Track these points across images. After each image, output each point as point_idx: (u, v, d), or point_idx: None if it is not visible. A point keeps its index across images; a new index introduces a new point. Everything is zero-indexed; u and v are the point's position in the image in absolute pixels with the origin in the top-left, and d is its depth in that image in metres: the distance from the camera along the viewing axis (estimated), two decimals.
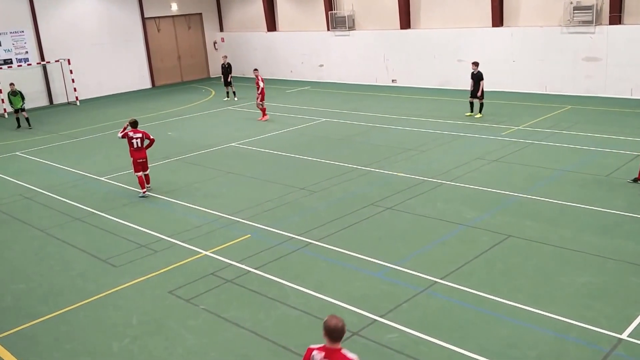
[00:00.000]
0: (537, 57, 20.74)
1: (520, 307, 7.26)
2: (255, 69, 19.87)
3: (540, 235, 9.26)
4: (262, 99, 19.32)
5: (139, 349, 6.97)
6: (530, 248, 8.88)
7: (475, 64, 17.87)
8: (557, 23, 20.32)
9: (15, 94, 21.06)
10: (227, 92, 24.19)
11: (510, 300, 7.42)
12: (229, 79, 23.68)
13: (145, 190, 12.49)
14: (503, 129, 16.21)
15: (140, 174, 12.44)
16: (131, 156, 12.51)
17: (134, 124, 12.55)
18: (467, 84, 22.56)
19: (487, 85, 21.88)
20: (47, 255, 9.83)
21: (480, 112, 17.84)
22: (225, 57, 24.35)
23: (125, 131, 12.50)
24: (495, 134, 15.70)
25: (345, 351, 4.64)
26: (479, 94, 17.59)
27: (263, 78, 19.86)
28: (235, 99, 23.87)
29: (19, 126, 21.07)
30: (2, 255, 10.00)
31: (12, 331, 7.49)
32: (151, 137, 12.68)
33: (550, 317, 7.01)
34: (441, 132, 16.30)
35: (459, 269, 8.34)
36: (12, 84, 21.41)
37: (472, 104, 18.03)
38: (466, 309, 7.33)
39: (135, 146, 12.42)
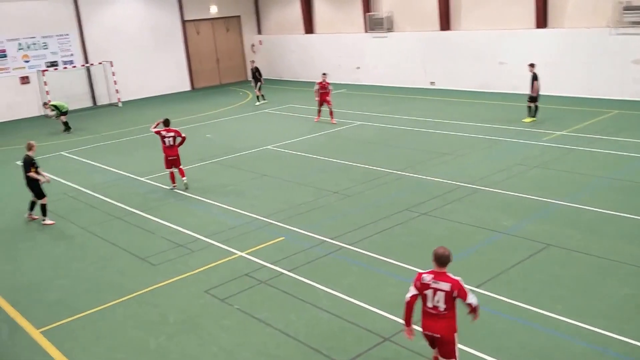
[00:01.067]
0: (582, 59, 20.15)
1: (558, 318, 7.08)
2: (324, 73, 19.47)
3: (581, 245, 9.00)
4: (329, 102, 19.10)
5: (175, 346, 7.13)
6: (570, 258, 8.65)
7: (532, 65, 17.15)
8: (604, 24, 19.68)
9: (54, 109, 21.04)
10: (258, 97, 24.27)
11: (548, 311, 7.24)
12: (258, 84, 23.93)
13: (175, 184, 13.22)
14: (544, 134, 15.82)
15: (171, 170, 13.16)
16: (164, 153, 13.11)
17: (166, 123, 13.12)
18: (509, 87, 22.33)
19: (528, 88, 21.38)
20: (88, 253, 10.16)
21: (532, 115, 17.28)
22: (253, 61, 24.85)
23: (158, 129, 13.08)
24: (536, 139, 15.35)
25: (449, 274, 5.63)
26: (534, 95, 16.97)
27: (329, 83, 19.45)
28: (257, 103, 23.96)
29: (66, 129, 21.28)
30: (48, 251, 10.39)
31: (55, 325, 7.79)
32: (182, 134, 13.13)
33: (590, 329, 6.81)
34: (479, 137, 16.04)
35: (495, 277, 8.19)
36: (46, 103, 21.60)
37: (530, 108, 17.40)
38: (501, 319, 7.19)
39: (167, 144, 13.02)
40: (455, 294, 5.56)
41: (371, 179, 12.97)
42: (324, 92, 18.99)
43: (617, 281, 7.87)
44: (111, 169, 15.59)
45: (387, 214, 10.81)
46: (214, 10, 30.73)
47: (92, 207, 12.50)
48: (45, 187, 11.65)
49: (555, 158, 13.60)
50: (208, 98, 27.19)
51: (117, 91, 26.75)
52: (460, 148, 15.09)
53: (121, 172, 15.12)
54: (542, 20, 21.21)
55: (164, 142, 13.02)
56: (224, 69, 31.99)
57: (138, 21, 28.14)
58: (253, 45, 32.64)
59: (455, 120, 18.31)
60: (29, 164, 11.27)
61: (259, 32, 32.69)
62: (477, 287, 7.93)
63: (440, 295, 5.56)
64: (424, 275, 5.66)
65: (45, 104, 21.88)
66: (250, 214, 11.32)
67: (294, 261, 9.12)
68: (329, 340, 6.99)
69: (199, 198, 12.58)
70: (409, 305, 5.72)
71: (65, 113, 21.26)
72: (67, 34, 26.17)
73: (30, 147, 11.44)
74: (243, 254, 9.52)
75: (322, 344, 6.92)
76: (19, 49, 25.05)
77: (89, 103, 27.28)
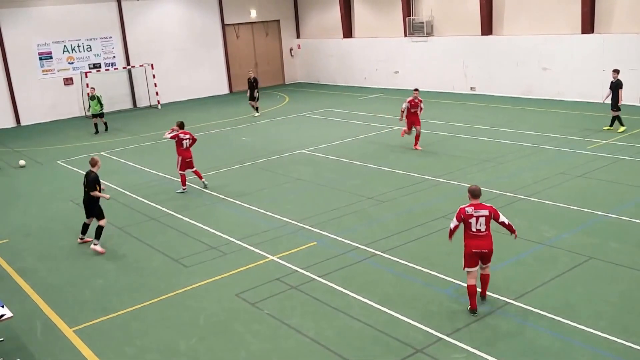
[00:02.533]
0: (630, 66, 19.36)
1: (601, 335, 6.74)
2: (416, 89, 15.82)
3: (626, 259, 8.57)
4: (419, 124, 15.70)
5: (205, 349, 7.11)
6: (614, 272, 8.24)
7: (616, 71, 16.14)
8: None
9: (92, 98, 21.39)
10: (256, 108, 22.84)
11: (590, 327, 6.90)
12: (255, 94, 22.42)
13: (185, 187, 13.39)
14: (589, 143, 15.24)
15: (185, 172, 13.30)
16: (179, 155, 13.20)
17: (181, 126, 13.35)
18: (552, 94, 21.68)
19: (574, 95, 20.87)
20: (123, 253, 10.30)
21: (621, 124, 16.12)
22: (251, 71, 23.97)
23: (176, 133, 13.21)
24: (580, 148, 14.79)
25: (484, 203, 7.52)
26: (618, 103, 15.95)
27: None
28: (257, 114, 22.71)
29: (96, 132, 21.54)
30: (84, 250, 10.58)
31: (88, 324, 7.88)
32: (194, 137, 13.47)
33: (635, 348, 6.45)
34: (521, 144, 15.58)
35: (534, 290, 7.87)
36: (92, 88, 21.96)
37: (613, 117, 16.33)
38: (540, 333, 6.89)
39: (184, 146, 13.20)
40: (492, 216, 7.41)
41: (407, 185, 12.74)
42: (414, 111, 15.26)
43: None
44: (149, 170, 15.84)
45: (423, 221, 10.57)
46: (253, 15, 31.01)
47: (129, 208, 12.70)
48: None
49: (600, 168, 13.06)
50: (245, 101, 27.36)
51: (157, 93, 27.27)
52: (500, 155, 14.68)
53: (158, 174, 15.34)
54: (588, 25, 20.50)
55: (181, 145, 13.14)
56: (262, 72, 32.18)
57: (179, 24, 28.65)
58: (291, 50, 32.78)
59: (496, 127, 17.85)
60: (95, 182, 10.07)
61: (298, 36, 32.80)
62: (515, 299, 7.64)
63: (482, 220, 7.39)
64: (466, 208, 7.44)
65: (92, 89, 21.89)
66: (284, 218, 11.26)
67: (326, 267, 9.00)
68: (360, 350, 6.83)
69: (233, 201, 12.62)
70: (451, 232, 7.74)
71: (99, 115, 21.51)
72: (111, 37, 26.86)
73: (94, 163, 10.25)
74: (275, 258, 9.46)
75: (353, 354, 6.77)
76: (64, 51, 25.84)
77: (129, 105, 27.90)
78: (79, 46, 26.17)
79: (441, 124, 18.92)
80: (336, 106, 23.88)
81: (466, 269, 7.48)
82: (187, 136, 13.23)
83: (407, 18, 26.21)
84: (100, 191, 10.18)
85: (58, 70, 25.77)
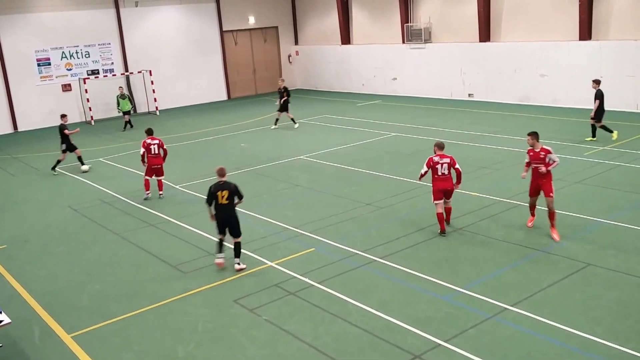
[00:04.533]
0: (628, 72, 19.48)
1: (598, 341, 6.75)
2: (532, 134, 10.16)
3: (624, 266, 8.60)
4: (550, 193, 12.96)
5: (203, 355, 7.11)
6: (612, 279, 8.26)
7: (596, 81, 16.05)
8: None
9: (123, 97, 23.41)
10: (277, 120, 21.46)
11: (587, 333, 6.92)
12: (286, 105, 21.07)
13: (149, 193, 13.43)
14: (586, 149, 15.30)
15: (148, 178, 13.40)
16: (148, 162, 13.32)
17: (149, 132, 13.57)
18: (550, 100, 21.77)
19: (572, 102, 20.94)
20: (121, 259, 10.29)
21: (593, 134, 16.05)
22: (282, 80, 21.75)
23: (144, 140, 13.36)
24: (577, 154, 14.85)
25: (446, 154, 9.98)
26: (591, 114, 15.87)
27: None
28: (296, 125, 21.27)
29: (128, 127, 23.30)
30: (82, 256, 10.57)
31: (86, 330, 7.87)
32: (165, 147, 13.55)
33: (632, 354, 6.47)
34: (519, 150, 15.62)
35: (531, 296, 7.89)
36: (121, 87, 24.02)
37: (592, 127, 16.16)
38: (537, 339, 6.90)
39: (152, 152, 13.32)
40: (452, 164, 9.99)
41: (405, 191, 12.77)
42: (536, 164, 9.93)
43: None
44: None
45: (420, 228, 10.60)
46: (252, 21, 31.12)
47: (126, 214, 12.70)
48: (82, 192, 11.78)
49: (598, 174, 13.11)
50: (244, 108, 27.48)
51: (155, 100, 27.31)
52: (498, 162, 14.73)
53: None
54: (586, 32, 20.62)
55: (149, 151, 13.26)
56: (260, 79, 32.29)
57: (177, 31, 28.73)
58: (290, 56, 32.87)
59: (494, 134, 17.91)
60: (238, 189, 9.58)
61: (296, 42, 32.91)
62: (513, 305, 7.66)
63: (445, 166, 9.94)
64: (434, 157, 9.98)
65: (121, 88, 24.08)
66: (282, 224, 11.28)
67: (324, 273, 9.01)
68: (358, 356, 6.84)
69: None
70: (422, 176, 10.31)
71: (128, 112, 23.36)
72: (109, 43, 26.92)
73: (223, 173, 9.61)
74: (273, 264, 9.47)
75: (350, 359, 6.78)
76: (62, 58, 25.89)
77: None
78: (77, 52, 26.22)
79: (438, 130, 18.97)
80: (334, 113, 23.94)
81: (435, 202, 10.12)
82: (156, 141, 13.38)
83: (405, 25, 26.34)
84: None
85: (56, 77, 25.81)
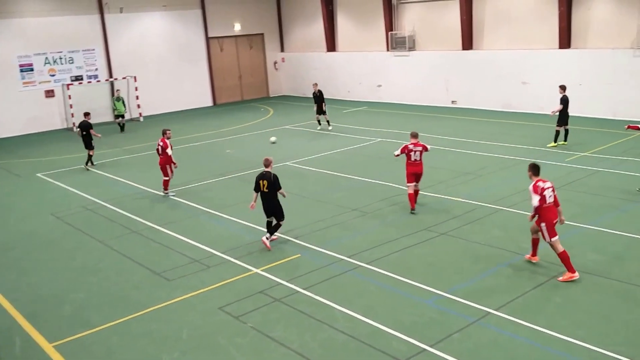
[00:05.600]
0: (606, 80, 19.85)
1: (579, 344, 6.86)
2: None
3: (604, 269, 8.75)
4: None
5: None
6: (592, 282, 8.40)
7: (562, 87, 16.49)
8: (629, 45, 19.41)
9: (118, 100, 24.43)
10: (319, 121, 21.98)
11: (568, 336, 7.02)
12: (322, 108, 21.52)
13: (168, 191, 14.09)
14: (568, 155, 15.54)
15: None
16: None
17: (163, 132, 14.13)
18: (532, 107, 22.07)
19: (552, 108, 21.08)
20: (105, 267, 10.20)
21: (555, 140, 16.55)
22: (316, 84, 21.92)
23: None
24: (559, 160, 15.07)
25: (419, 142, 11.59)
26: (552, 113, 16.46)
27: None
28: (330, 127, 21.57)
29: (122, 130, 24.20)
30: (65, 264, 10.45)
31: (68, 339, 7.78)
32: (166, 149, 13.77)
33: (612, 356, 6.58)
34: (501, 157, 15.83)
35: (514, 300, 7.99)
36: (118, 90, 25.29)
37: (565, 131, 16.58)
38: (520, 343, 6.99)
39: (159, 152, 13.93)
40: (424, 149, 11.62)
41: (390, 197, 12.86)
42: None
43: None
44: (131, 183, 15.73)
45: (405, 233, 10.67)
46: (237, 28, 31.13)
47: (110, 221, 12.59)
48: (66, 199, 11.72)
49: (579, 179, 13.32)
50: (229, 114, 27.44)
51: (138, 106, 27.14)
52: (481, 168, 14.89)
53: (141, 187, 15.24)
54: (565, 41, 21.00)
55: (157, 151, 13.96)
56: (246, 85, 32.29)
57: (163, 37, 28.63)
58: (275, 63, 32.94)
59: (477, 140, 18.11)
60: (278, 181, 10.20)
61: (282, 49, 32.99)
62: (496, 309, 7.74)
63: (418, 153, 11.57)
64: (409, 145, 11.56)
65: (118, 91, 25.36)
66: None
67: (310, 279, 9.02)
68: None
69: (217, 213, 12.59)
70: (396, 156, 11.84)
71: (122, 116, 24.31)
72: (93, 49, 26.72)
73: (268, 164, 10.33)
74: (259, 271, 9.46)
75: None
76: (46, 63, 25.63)
77: (111, 117, 27.66)
78: (60, 58, 25.98)
79: (422, 136, 18.96)
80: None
81: (407, 184, 11.74)
82: (161, 143, 13.86)
83: (389, 33, 26.56)
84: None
85: (39, 83, 25.53)
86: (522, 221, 10.90)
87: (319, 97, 21.44)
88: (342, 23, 29.34)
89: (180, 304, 8.53)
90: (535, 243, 9.02)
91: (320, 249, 10.19)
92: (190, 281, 9.26)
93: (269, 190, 10.07)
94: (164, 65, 28.67)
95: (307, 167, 16.19)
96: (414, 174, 11.67)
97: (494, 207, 11.75)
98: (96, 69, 26.90)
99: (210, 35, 30.04)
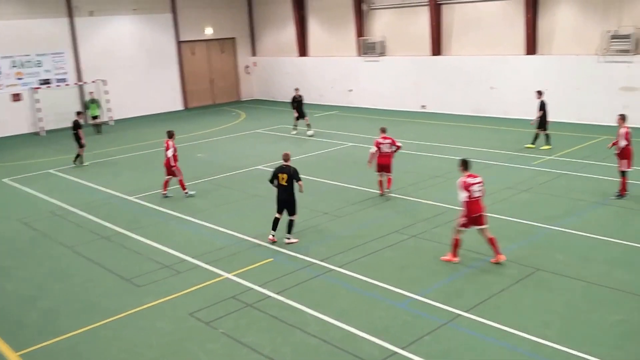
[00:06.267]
0: (571, 85, 20.40)
1: (548, 345, 7.00)
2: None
3: (570, 270, 8.96)
4: None
5: None
6: (559, 283, 8.60)
7: (539, 92, 16.95)
8: (593, 52, 20.00)
9: (93, 102, 24.36)
10: (296, 126, 21.55)
11: (538, 337, 7.16)
12: (303, 112, 21.20)
13: (188, 192, 14.11)
14: (534, 158, 15.89)
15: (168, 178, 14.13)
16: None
17: (167, 134, 14.27)
18: (499, 112, 22.52)
19: (520, 113, 21.71)
20: (73, 273, 9.98)
21: (533, 143, 16.96)
22: (297, 89, 21.76)
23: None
24: (526, 163, 15.41)
25: (387, 135, 12.95)
26: (533, 122, 16.82)
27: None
28: (310, 132, 21.03)
29: (98, 132, 24.10)
30: (32, 271, 10.19)
31: (35, 347, 7.58)
32: (167, 151, 13.86)
33: (580, 356, 6.74)
34: (472, 160, 16.05)
35: (484, 301, 8.11)
36: (92, 92, 25.07)
37: (544, 135, 16.93)
38: (490, 344, 7.10)
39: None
40: (392, 142, 12.89)
41: (362, 200, 12.93)
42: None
43: (607, 307, 7.81)
44: (100, 187, 15.45)
45: (377, 236, 10.74)
46: (209, 32, 30.95)
47: (79, 227, 12.34)
48: (33, 205, 11.45)
49: (545, 182, 13.63)
50: (201, 118, 27.22)
51: (109, 109, 26.70)
52: (450, 171, 15.07)
53: (110, 191, 14.99)
54: (531, 47, 21.51)
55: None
56: (217, 89, 32.09)
57: (133, 41, 28.25)
58: (247, 67, 32.85)
59: (446, 144, 18.37)
60: (298, 173, 10.51)
61: (254, 53, 32.92)
62: (466, 311, 7.85)
63: (387, 146, 12.85)
64: (379, 139, 12.82)
65: (92, 93, 25.16)
66: (239, 235, 11.21)
67: (282, 283, 9.00)
68: None
69: (188, 218, 12.46)
70: (372, 156, 12.90)
71: (96, 117, 24.29)
72: (62, 52, 26.18)
73: (288, 158, 10.61)
74: (230, 276, 9.39)
75: None
76: (13, 67, 24.99)
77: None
78: (28, 61, 25.35)
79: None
80: (292, 123, 23.97)
81: (377, 173, 13.01)
82: (164, 145, 14.06)
83: (360, 38, 26.77)
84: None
85: (6, 86, 24.87)
86: (493, 223, 11.08)
87: (299, 102, 21.14)
88: (314, 28, 29.46)
89: (150, 310, 8.41)
90: (492, 243, 9.23)
91: (293, 253, 10.18)
92: (161, 287, 9.14)
93: (288, 183, 10.35)
94: (134, 69, 28.28)
95: None
96: (381, 165, 12.89)
97: None
98: (65, 73, 26.35)
99: (181, 39, 29.79)
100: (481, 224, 9.17)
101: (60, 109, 25.48)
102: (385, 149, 12.87)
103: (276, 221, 10.61)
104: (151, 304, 8.60)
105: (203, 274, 9.50)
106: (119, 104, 27.20)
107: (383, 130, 13.12)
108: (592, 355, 6.71)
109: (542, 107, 16.70)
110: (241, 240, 10.94)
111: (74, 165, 18.05)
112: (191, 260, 10.10)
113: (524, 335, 7.23)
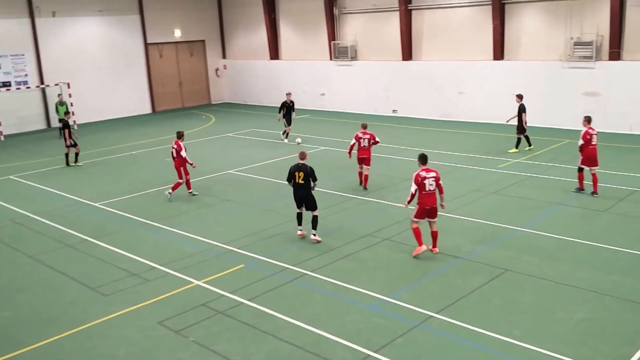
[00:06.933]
0: (537, 90, 20.84)
1: (517, 344, 7.10)
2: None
3: (537, 270, 9.12)
4: None
5: None
6: (527, 283, 8.74)
7: (519, 96, 17.17)
8: (557, 58, 20.50)
9: (62, 104, 23.24)
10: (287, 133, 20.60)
11: (507, 337, 7.26)
12: (292, 117, 20.48)
13: (192, 191, 14.23)
14: (501, 162, 16.17)
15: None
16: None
17: (177, 135, 14.14)
18: (468, 116, 22.86)
19: (488, 117, 22.10)
20: (35, 283, 9.66)
21: (516, 147, 17.21)
22: (289, 94, 20.86)
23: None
24: (493, 167, 15.66)
25: (367, 131, 13.97)
26: (516, 124, 17.08)
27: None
28: (285, 140, 20.50)
29: (60, 135, 22.70)
30: None
31: None
32: (180, 152, 13.80)
33: (547, 354, 6.85)
34: (440, 164, 16.22)
35: (454, 303, 8.18)
36: (60, 95, 23.92)
37: (522, 139, 17.22)
38: (461, 345, 7.16)
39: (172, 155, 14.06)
40: (371, 138, 13.80)
41: (334, 204, 12.91)
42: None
43: (572, 306, 7.98)
44: (63, 194, 15.03)
45: (350, 240, 10.74)
46: (178, 34, 30.55)
47: (41, 235, 11.97)
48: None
49: (512, 185, 13.87)
50: (170, 121, 26.82)
51: (73, 113, 26.02)
52: None
53: (74, 198, 14.60)
54: (499, 53, 21.92)
55: (172, 154, 14.05)
56: (187, 92, 31.70)
57: (99, 42, 27.68)
58: (217, 70, 32.56)
59: (417, 148, 18.48)
60: (314, 173, 10.74)
61: (224, 56, 32.65)
62: (437, 312, 7.90)
63: (366, 141, 13.78)
64: (359, 134, 13.81)
65: (60, 95, 24.06)
66: (210, 241, 11.04)
67: (254, 290, 8.89)
68: None
69: (157, 224, 12.22)
70: (351, 148, 14.01)
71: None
72: (23, 54, 25.44)
73: (304, 156, 10.82)
74: (200, 283, 9.23)
75: None
76: None
77: (42, 125, 26.46)
78: None
79: None
80: (263, 126, 23.88)
81: (359, 165, 13.98)
82: (175, 146, 13.88)
83: (332, 42, 26.83)
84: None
85: None
86: (463, 225, 11.24)
87: (290, 107, 20.38)
88: (285, 31, 29.40)
89: (118, 320, 8.19)
90: (434, 236, 9.90)
91: (265, 259, 10.08)
92: (128, 296, 8.92)
93: (304, 182, 10.56)
94: (100, 71, 27.71)
95: (251, 175, 16.03)
96: (360, 158, 13.93)
97: None
98: (26, 75, 25.60)
99: (149, 41, 29.33)
100: (433, 217, 9.73)
101: (22, 112, 24.75)
102: (364, 143, 13.81)
103: (299, 216, 10.89)
104: (118, 313, 8.38)
105: (172, 282, 9.32)
106: (83, 108, 26.57)
107: (364, 126, 14.13)
108: (558, 353, 6.83)
109: (522, 110, 16.99)
110: (212, 247, 10.78)
111: (79, 165, 18.12)
112: (160, 268, 9.90)
113: (494, 335, 7.31)
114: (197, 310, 8.33)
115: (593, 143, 12.57)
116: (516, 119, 17.12)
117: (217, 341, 7.50)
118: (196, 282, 9.28)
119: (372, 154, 14.03)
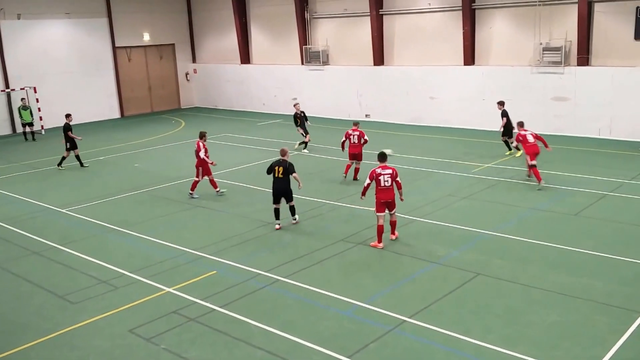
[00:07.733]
0: (507, 95, 21.19)
1: (490, 348, 7.16)
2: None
3: (509, 274, 9.25)
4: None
5: None
6: (499, 287, 8.84)
7: (500, 103, 17.72)
8: (527, 63, 20.93)
9: (25, 109, 23.52)
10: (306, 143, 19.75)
11: (480, 340, 7.32)
12: (305, 125, 19.85)
13: (218, 189, 14.36)
14: (473, 167, 16.39)
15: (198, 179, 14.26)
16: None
17: (201, 136, 14.33)
18: (440, 121, 23.14)
19: (459, 122, 22.40)
20: (0, 291, 9.33)
21: (509, 149, 17.61)
22: (297, 104, 20.37)
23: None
24: (465, 171, 15.86)
25: (359, 127, 15.28)
26: (501, 129, 17.57)
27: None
28: (296, 145, 19.73)
29: (26, 139, 23.35)
30: None
31: None
32: (199, 153, 13.95)
33: (519, 357, 6.93)
34: (413, 168, 16.39)
35: (428, 307, 8.22)
36: (24, 99, 24.09)
37: (506, 142, 17.69)
38: (435, 349, 7.18)
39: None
40: (360, 135, 14.82)
41: (306, 210, 12.87)
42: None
43: (544, 309, 8.09)
44: (30, 200, 14.61)
45: (323, 245, 10.70)
46: (146, 38, 30.13)
47: (6, 242, 11.59)
48: None
49: (484, 189, 14.07)
50: (139, 126, 26.39)
51: (40, 118, 25.39)
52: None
53: (41, 204, 14.20)
54: (469, 58, 22.27)
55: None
56: (156, 96, 31.26)
57: (66, 46, 27.08)
58: (187, 74, 32.22)
59: (390, 152, 18.61)
60: (293, 167, 11.63)
61: (194, 60, 32.33)
62: (411, 317, 7.92)
63: (356, 136, 14.76)
64: (349, 130, 14.84)
65: (24, 99, 24.22)
66: (181, 247, 10.87)
67: (226, 296, 8.78)
68: None
69: (125, 230, 11.97)
70: (343, 143, 15.33)
71: (30, 124, 23.62)
72: None
73: (284, 153, 11.69)
74: (171, 290, 9.06)
75: None
76: None
77: (8, 130, 25.73)
78: None
79: (337, 149, 19.35)
80: (234, 131, 23.70)
81: (349, 161, 14.91)
82: (195, 147, 14.06)
83: (303, 47, 26.85)
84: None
85: None
86: (436, 230, 11.33)
87: (303, 117, 19.86)
88: (256, 35, 29.30)
89: (86, 328, 7.97)
90: (393, 225, 10.74)
91: (238, 265, 9.96)
92: (97, 303, 8.69)
93: (283, 175, 11.49)
94: (67, 75, 27.10)
95: (222, 180, 15.85)
96: (352, 154, 14.91)
97: (408, 217, 12.10)
98: None
99: (117, 45, 28.85)
100: (391, 210, 10.61)
101: None
102: (354, 140, 14.81)
103: (276, 211, 11.68)
104: (87, 321, 8.16)
105: (142, 289, 9.12)
106: (50, 112, 25.88)
107: (355, 124, 15.20)
108: (531, 357, 6.91)
109: (505, 115, 17.43)
110: (183, 253, 10.61)
111: (61, 168, 17.91)
112: (130, 275, 9.68)
113: (467, 339, 7.36)
114: (169, 318, 8.17)
115: (530, 142, 13.98)
116: (506, 123, 17.45)
117: (189, 348, 7.37)
118: (167, 289, 9.10)
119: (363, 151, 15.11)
